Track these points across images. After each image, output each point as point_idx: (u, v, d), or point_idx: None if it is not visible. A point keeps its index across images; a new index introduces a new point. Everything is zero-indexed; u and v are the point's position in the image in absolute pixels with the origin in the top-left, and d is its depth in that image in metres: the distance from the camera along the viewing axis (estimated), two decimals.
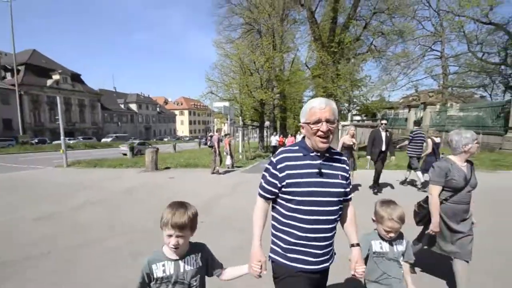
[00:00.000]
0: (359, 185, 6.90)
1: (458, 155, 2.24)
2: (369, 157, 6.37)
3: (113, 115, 56.43)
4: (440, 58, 27.94)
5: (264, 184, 1.41)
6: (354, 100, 22.07)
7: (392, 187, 6.91)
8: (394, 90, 31.60)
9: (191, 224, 1.26)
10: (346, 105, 24.20)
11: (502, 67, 21.58)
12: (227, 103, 12.38)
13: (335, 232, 1.41)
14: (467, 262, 2.19)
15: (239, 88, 14.97)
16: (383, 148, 6.06)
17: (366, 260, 1.65)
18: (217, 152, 9.39)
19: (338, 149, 5.32)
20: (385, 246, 1.66)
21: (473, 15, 22.44)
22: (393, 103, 35.81)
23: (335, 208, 1.35)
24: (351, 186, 1.51)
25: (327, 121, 1.28)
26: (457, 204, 2.20)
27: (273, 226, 1.44)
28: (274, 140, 17.87)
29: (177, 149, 23.05)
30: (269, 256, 1.44)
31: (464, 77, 26.46)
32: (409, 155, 6.69)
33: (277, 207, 1.41)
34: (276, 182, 1.35)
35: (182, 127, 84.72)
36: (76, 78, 46.91)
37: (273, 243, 1.43)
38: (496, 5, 20.47)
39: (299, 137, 14.95)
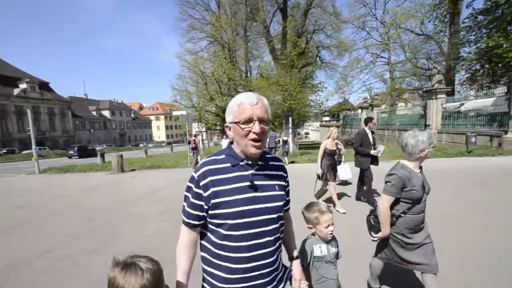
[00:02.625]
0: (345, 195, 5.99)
1: (414, 161, 2.01)
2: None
3: (85, 122, 55.92)
4: (387, 64, 31.60)
5: (187, 209, 1.10)
6: (311, 103, 24.51)
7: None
8: (351, 93, 34.98)
9: (158, 284, 0.92)
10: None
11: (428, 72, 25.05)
12: (184, 112, 14.19)
13: (280, 252, 1.19)
14: (435, 274, 1.99)
15: (197, 97, 16.82)
16: (372, 151, 5.11)
17: (307, 267, 1.64)
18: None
19: (319, 157, 4.96)
20: (324, 249, 1.66)
21: (410, 27, 26.02)
22: (354, 105, 39.16)
23: (275, 226, 1.11)
24: (289, 195, 1.29)
25: (260, 120, 1.02)
26: (417, 214, 2.00)
27: (203, 259, 1.13)
28: (225, 144, 17.67)
29: (148, 153, 24.38)
30: None
31: (407, 81, 30.17)
32: None
33: (208, 234, 1.10)
34: (202, 203, 1.05)
35: (159, 132, 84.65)
36: (44, 86, 46.39)
37: (205, 280, 1.14)
38: (425, 19, 23.89)
39: (225, 142, 14.84)
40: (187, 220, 1.10)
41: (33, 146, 13.86)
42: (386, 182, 2.04)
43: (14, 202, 7.09)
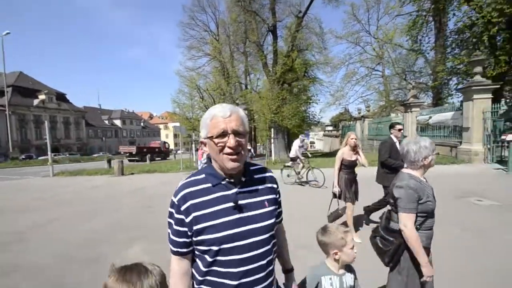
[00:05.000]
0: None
1: (417, 170, 1.74)
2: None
3: (97, 131, 59.15)
4: (382, 77, 33.07)
5: (172, 237, 1.01)
6: (305, 115, 26.09)
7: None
8: (348, 104, 36.49)
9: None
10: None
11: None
12: (178, 124, 16.12)
13: (273, 275, 1.08)
14: None
15: (192, 109, 18.85)
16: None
17: None
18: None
19: (335, 170, 3.98)
20: (336, 283, 1.40)
21: (399, 43, 27.53)
22: (354, 115, 40.45)
23: (267, 248, 1.01)
24: (281, 206, 1.19)
25: (235, 133, 0.95)
26: (430, 230, 1.71)
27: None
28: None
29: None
30: None
31: (396, 93, 31.50)
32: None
33: (196, 260, 1.02)
34: (186, 229, 0.97)
35: (167, 140, 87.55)
36: (61, 97, 49.89)
37: None
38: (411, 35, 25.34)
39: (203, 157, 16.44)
40: (174, 249, 1.00)
41: (49, 153, 16.03)
42: (397, 199, 1.68)
43: (32, 195, 9.06)
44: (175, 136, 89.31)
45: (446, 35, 17.97)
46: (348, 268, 1.49)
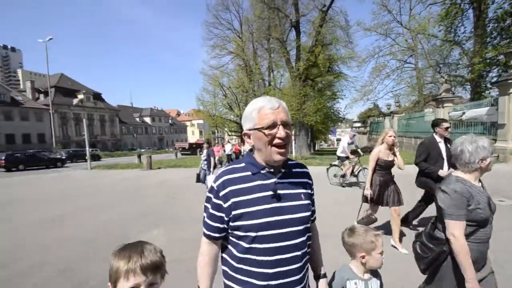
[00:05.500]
0: None
1: (471, 173, 1.53)
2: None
3: (129, 127, 62.68)
4: (414, 70, 31.23)
5: (207, 220, 1.04)
6: (330, 111, 25.60)
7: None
8: (377, 100, 35.00)
9: (165, 266, 0.92)
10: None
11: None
12: (201, 121, 16.69)
13: (307, 270, 1.09)
14: None
15: (215, 106, 19.43)
16: (445, 169, 3.56)
17: None
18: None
19: (369, 171, 3.58)
20: (361, 287, 1.34)
21: (433, 33, 25.85)
22: (383, 110, 38.81)
23: (302, 239, 1.02)
24: (314, 204, 1.17)
25: (284, 124, 0.97)
26: (482, 242, 1.49)
27: (224, 274, 1.06)
28: (228, 148, 16.43)
29: (178, 156, 27.69)
30: None
31: (429, 87, 29.61)
32: None
33: (228, 246, 1.04)
34: (222, 215, 0.99)
35: (193, 137, 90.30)
36: (97, 96, 53.52)
37: None
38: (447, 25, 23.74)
39: (227, 148, 16.02)
40: (207, 232, 1.03)
41: (87, 148, 17.48)
42: (442, 205, 1.52)
43: (74, 185, 10.06)
44: (200, 133, 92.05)
45: (485, 23, 16.62)
46: (375, 273, 1.39)
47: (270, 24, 22.24)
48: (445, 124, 3.71)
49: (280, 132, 0.95)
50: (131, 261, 0.83)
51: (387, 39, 30.64)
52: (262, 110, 0.97)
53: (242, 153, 15.66)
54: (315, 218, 1.21)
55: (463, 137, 1.61)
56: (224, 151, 15.56)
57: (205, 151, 7.95)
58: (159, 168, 15.54)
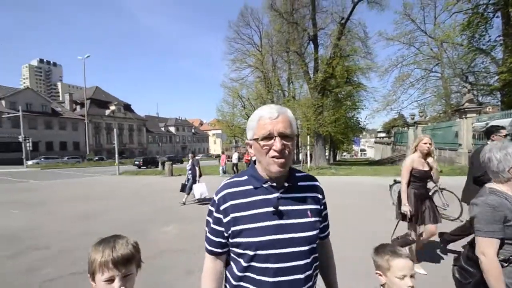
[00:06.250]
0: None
1: (505, 183, 1.36)
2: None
3: (155, 137, 65.85)
4: (440, 79, 30.22)
5: (209, 235, 1.00)
6: (352, 122, 25.50)
7: None
8: (401, 109, 34.09)
9: (138, 256, 0.98)
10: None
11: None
12: (219, 131, 17.56)
13: None
14: None
15: (233, 116, 20.29)
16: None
17: None
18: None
19: (403, 183, 3.11)
20: None
21: (459, 42, 25.10)
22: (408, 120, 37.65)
23: (306, 261, 0.93)
24: (327, 220, 1.10)
25: (282, 135, 0.90)
26: None
27: None
28: (235, 156, 16.33)
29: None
30: None
31: (455, 96, 28.44)
32: None
33: (231, 263, 0.99)
34: (222, 229, 0.95)
35: (215, 146, 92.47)
36: (127, 107, 57.18)
37: None
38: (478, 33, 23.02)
39: (234, 156, 16.17)
40: (209, 248, 0.99)
41: (116, 155, 18.98)
42: (473, 219, 1.34)
43: (103, 188, 11.14)
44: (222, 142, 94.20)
45: None
46: None
47: (289, 38, 23.00)
48: (503, 131, 3.23)
49: (276, 144, 0.88)
50: (104, 255, 0.89)
51: (411, 48, 30.08)
52: (261, 119, 0.92)
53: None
54: (328, 234, 1.13)
55: (492, 143, 1.51)
56: (230, 160, 15.89)
57: (190, 161, 8.00)
58: (180, 175, 16.47)
